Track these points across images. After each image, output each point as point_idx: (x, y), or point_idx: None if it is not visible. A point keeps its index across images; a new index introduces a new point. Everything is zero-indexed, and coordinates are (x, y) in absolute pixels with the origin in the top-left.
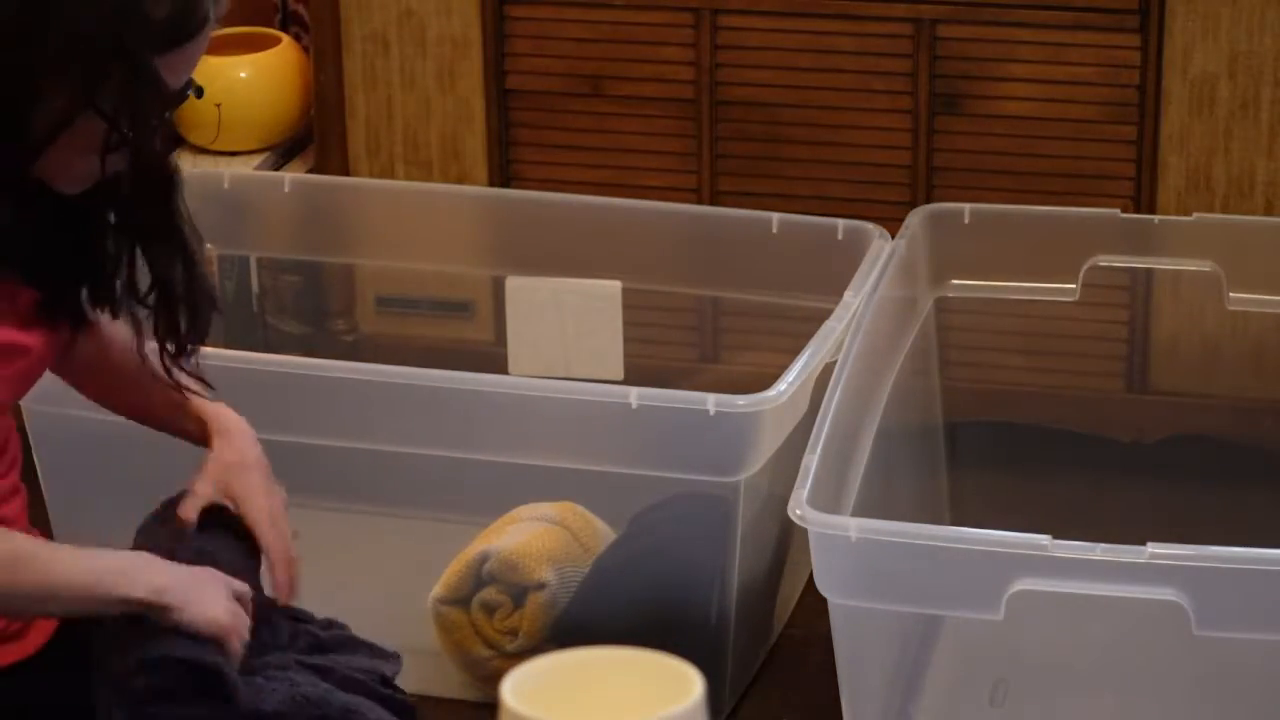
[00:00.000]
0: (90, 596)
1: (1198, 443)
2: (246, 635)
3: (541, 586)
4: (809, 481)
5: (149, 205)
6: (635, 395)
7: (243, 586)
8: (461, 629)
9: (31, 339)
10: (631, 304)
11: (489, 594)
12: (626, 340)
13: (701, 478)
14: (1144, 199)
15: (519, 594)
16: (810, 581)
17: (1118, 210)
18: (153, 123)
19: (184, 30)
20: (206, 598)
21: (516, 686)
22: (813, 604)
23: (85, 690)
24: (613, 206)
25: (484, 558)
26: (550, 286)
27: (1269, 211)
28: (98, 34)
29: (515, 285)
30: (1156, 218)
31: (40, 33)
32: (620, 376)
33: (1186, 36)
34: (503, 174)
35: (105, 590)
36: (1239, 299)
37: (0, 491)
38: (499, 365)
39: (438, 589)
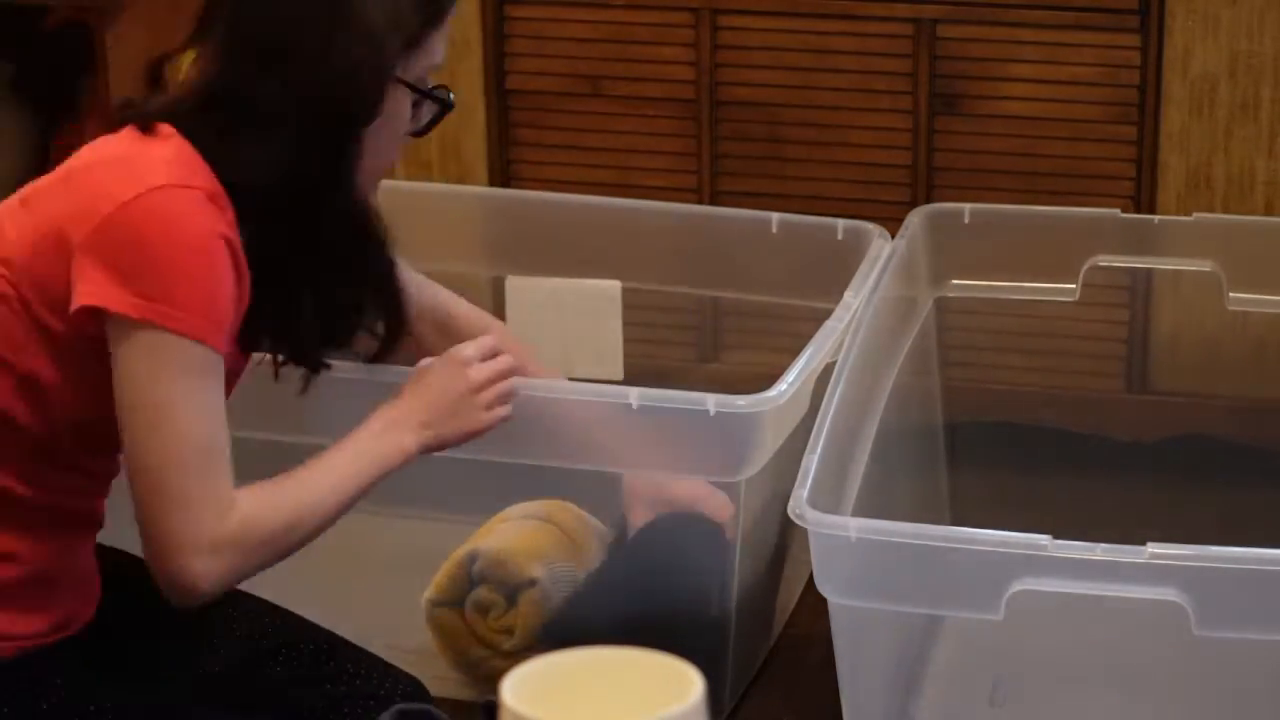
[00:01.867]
0: (365, 492)
1: (1198, 443)
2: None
3: (533, 584)
4: (809, 481)
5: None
6: (635, 395)
7: (469, 353)
8: (456, 630)
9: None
10: (631, 304)
11: (481, 594)
12: (626, 340)
13: (702, 478)
14: (1144, 199)
15: (511, 592)
16: (810, 581)
17: (1118, 210)
18: (445, 90)
19: (441, 5)
20: (460, 416)
21: (516, 686)
22: (813, 604)
23: (120, 659)
24: (613, 206)
25: (473, 558)
26: (550, 286)
27: (1269, 211)
28: (385, 18)
29: (515, 285)
30: (1156, 218)
31: (344, 30)
32: (620, 376)
33: (1186, 36)
34: (503, 174)
35: (373, 481)
36: (1239, 299)
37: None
38: None
39: (430, 591)
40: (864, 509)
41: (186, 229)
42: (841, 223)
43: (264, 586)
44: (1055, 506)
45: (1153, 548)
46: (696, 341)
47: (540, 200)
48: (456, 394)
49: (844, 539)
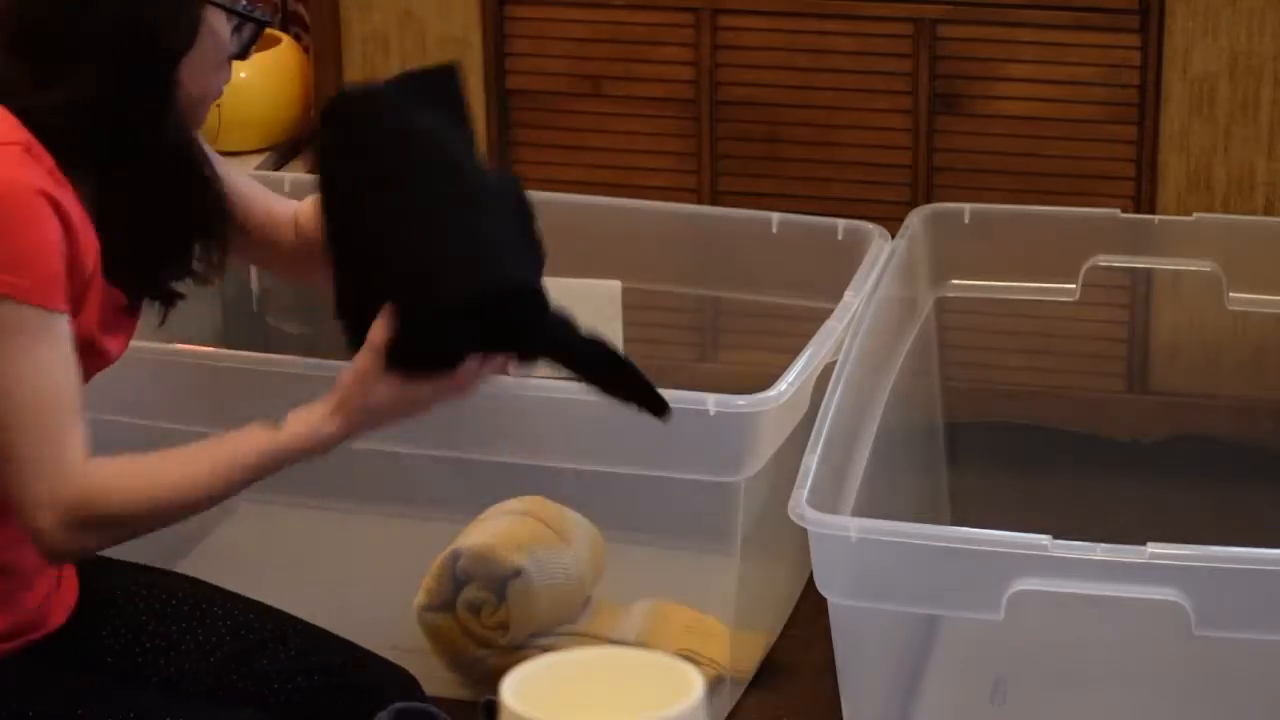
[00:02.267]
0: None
1: (1198, 443)
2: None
3: (518, 573)
4: (809, 481)
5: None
6: None
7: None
8: (450, 633)
9: (113, 344)
10: (631, 304)
11: (470, 593)
12: (626, 340)
13: (701, 478)
14: (1144, 199)
15: (499, 586)
16: (810, 581)
17: (1118, 210)
18: (251, 6)
19: None
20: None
21: (516, 686)
22: (813, 604)
23: (104, 659)
24: (613, 206)
25: (455, 556)
26: (550, 286)
27: (1269, 211)
28: None
29: None
30: (1156, 218)
31: None
32: None
33: (1186, 36)
34: None
35: (270, 471)
36: (1239, 299)
37: None
38: None
39: (420, 597)
40: (864, 509)
41: (7, 194)
42: (841, 223)
43: (263, 587)
44: (1055, 506)
45: (1153, 548)
46: (696, 341)
47: (540, 200)
48: (400, 415)
49: (844, 539)
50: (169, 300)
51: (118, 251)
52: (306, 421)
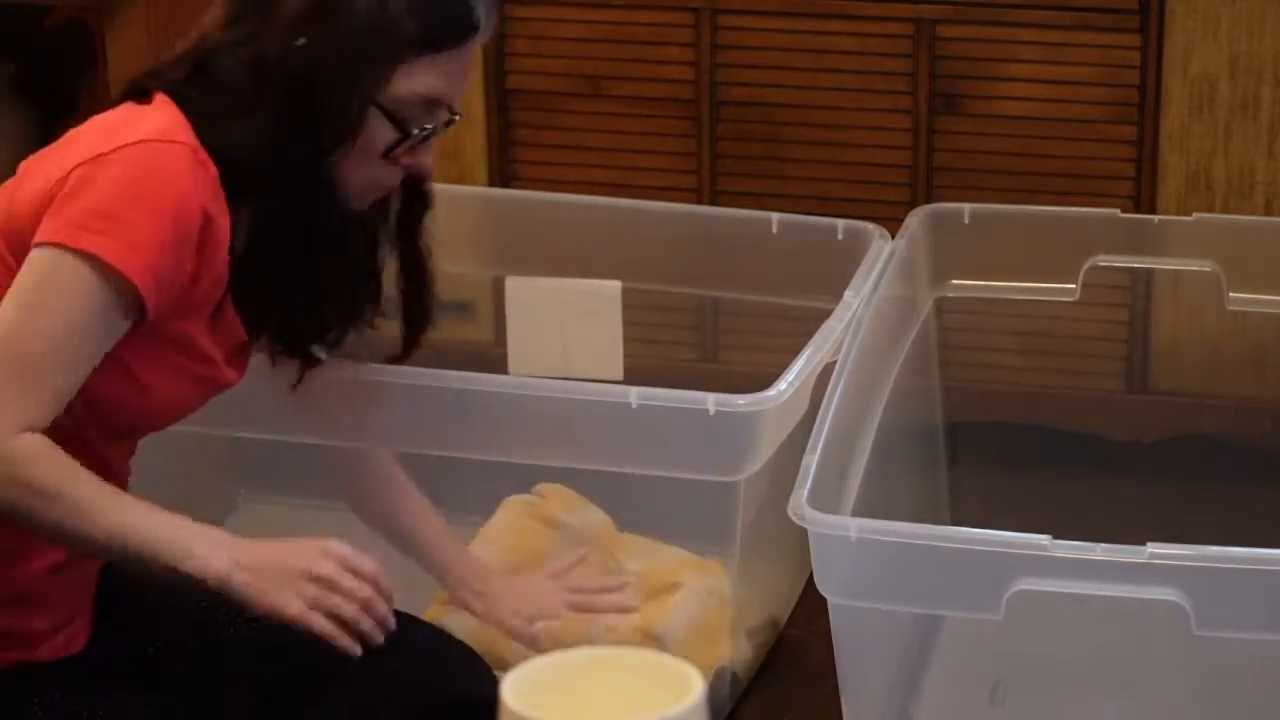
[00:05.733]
0: (139, 557)
1: (1198, 443)
2: (346, 610)
3: None
4: (809, 481)
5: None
6: (635, 395)
7: (341, 551)
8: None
9: (231, 374)
10: (631, 304)
11: None
12: (626, 340)
13: (701, 478)
14: (1144, 199)
15: None
16: (810, 581)
17: (1118, 210)
18: (424, 126)
19: (446, 34)
20: (279, 588)
21: (516, 686)
22: (813, 604)
23: (122, 689)
24: (613, 206)
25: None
26: (550, 286)
27: (1269, 211)
28: (373, 31)
29: (515, 285)
30: (1156, 218)
31: (331, 24)
32: (620, 376)
33: (1186, 36)
34: (503, 174)
35: (156, 558)
36: (1239, 299)
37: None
38: (499, 365)
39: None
40: (864, 509)
41: (153, 179)
42: (841, 223)
43: None
44: (1055, 506)
45: (1153, 548)
46: (696, 341)
47: (540, 200)
48: (293, 567)
49: (844, 539)
50: (307, 361)
51: (262, 295)
52: (205, 561)
